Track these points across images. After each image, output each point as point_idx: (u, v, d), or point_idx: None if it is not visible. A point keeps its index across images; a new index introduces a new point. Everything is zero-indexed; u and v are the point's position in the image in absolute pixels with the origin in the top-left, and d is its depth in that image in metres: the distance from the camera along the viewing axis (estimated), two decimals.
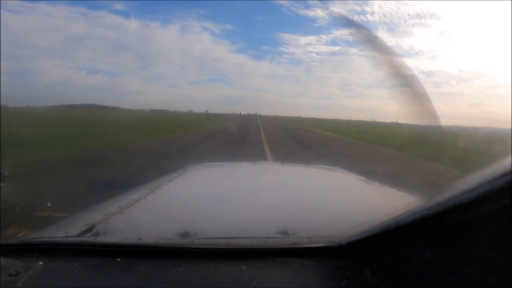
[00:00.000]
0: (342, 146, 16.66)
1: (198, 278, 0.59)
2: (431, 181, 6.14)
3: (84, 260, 0.63)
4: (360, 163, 8.84)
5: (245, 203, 1.10)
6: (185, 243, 0.70)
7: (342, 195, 1.32)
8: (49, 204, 2.72)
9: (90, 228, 0.77)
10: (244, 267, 0.61)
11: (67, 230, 0.76)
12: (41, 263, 0.62)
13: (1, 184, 1.04)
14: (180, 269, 0.61)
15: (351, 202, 1.19)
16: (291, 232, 0.74)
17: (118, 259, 0.64)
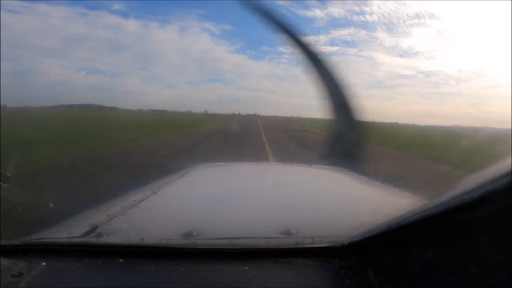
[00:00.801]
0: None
1: (201, 278, 0.59)
2: None
3: (87, 261, 0.63)
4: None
5: (247, 203, 1.10)
6: (187, 243, 0.70)
7: (345, 195, 1.32)
8: (51, 205, 2.71)
9: (93, 229, 0.77)
10: (247, 267, 0.61)
11: (70, 231, 0.77)
12: (44, 263, 0.62)
13: (4, 185, 1.04)
14: (183, 269, 0.61)
15: (354, 202, 1.19)
16: (294, 232, 0.75)
17: (121, 260, 0.64)
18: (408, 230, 0.50)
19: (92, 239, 0.72)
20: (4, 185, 1.04)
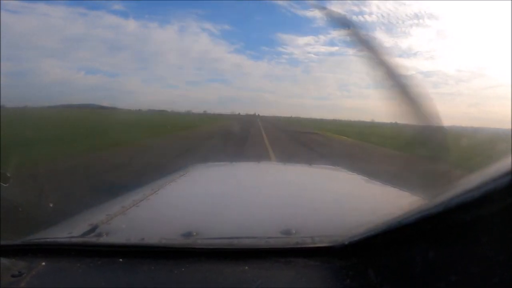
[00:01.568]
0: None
1: (201, 278, 0.59)
2: None
3: (87, 261, 0.63)
4: None
5: (247, 203, 1.10)
6: (188, 243, 0.70)
7: (345, 195, 1.32)
8: (51, 205, 2.71)
9: (93, 229, 0.77)
10: (247, 267, 0.61)
11: (70, 231, 0.77)
12: (44, 263, 0.62)
13: (4, 185, 1.04)
14: (183, 269, 0.61)
15: (354, 201, 1.19)
16: (294, 232, 0.75)
17: (121, 260, 0.64)
18: (409, 229, 0.50)
19: (92, 239, 0.72)
20: (4, 185, 1.04)
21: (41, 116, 35.31)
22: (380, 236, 0.57)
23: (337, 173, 1.97)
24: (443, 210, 0.42)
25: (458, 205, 0.40)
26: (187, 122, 41.74)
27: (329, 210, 1.02)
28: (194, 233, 0.73)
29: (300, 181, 1.65)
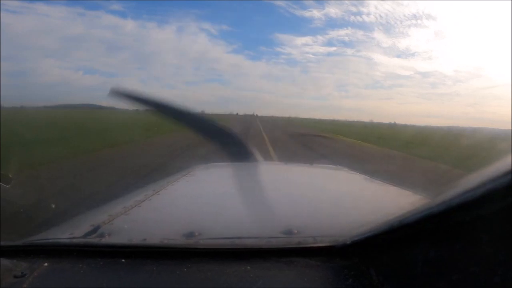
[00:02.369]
0: None
1: (203, 278, 0.59)
2: None
3: (89, 261, 0.63)
4: None
5: (249, 203, 1.10)
6: (190, 243, 0.70)
7: (347, 194, 1.32)
8: (53, 206, 2.69)
9: (95, 229, 0.77)
10: (249, 267, 0.61)
11: (72, 231, 0.77)
12: (46, 264, 0.62)
13: (6, 186, 1.04)
14: (185, 269, 0.61)
15: (356, 201, 1.19)
16: (296, 231, 0.75)
17: (123, 260, 0.64)
18: (410, 229, 0.50)
19: (94, 239, 0.72)
20: (6, 186, 1.04)
21: (33, 117, 32.99)
22: (382, 236, 0.57)
23: (339, 173, 1.97)
24: (444, 210, 0.43)
25: (459, 205, 0.40)
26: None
27: (330, 209, 1.03)
28: (196, 233, 0.73)
29: (302, 181, 1.65)
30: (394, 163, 10.79)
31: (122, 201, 1.06)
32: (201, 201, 1.13)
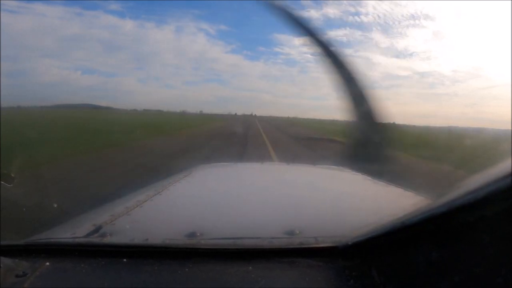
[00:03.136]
0: None
1: (205, 278, 0.59)
2: None
3: (91, 261, 0.64)
4: None
5: (251, 203, 1.10)
6: (191, 243, 0.70)
7: (349, 195, 1.32)
8: (55, 205, 2.67)
9: (97, 229, 0.77)
10: (250, 267, 0.61)
11: (74, 231, 0.77)
12: (48, 263, 0.63)
13: (8, 185, 1.04)
14: (187, 269, 0.61)
15: (358, 202, 1.19)
16: (298, 232, 0.75)
17: (125, 260, 0.64)
18: (412, 230, 0.50)
19: (96, 239, 0.72)
20: (8, 185, 1.04)
21: (25, 117, 30.83)
22: (384, 237, 0.57)
23: (341, 173, 1.97)
24: (446, 211, 0.43)
25: (461, 206, 0.40)
26: (172, 123, 35.22)
27: (332, 210, 1.02)
28: (198, 234, 0.73)
29: (304, 182, 1.65)
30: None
31: (124, 201, 1.06)
32: (202, 201, 1.13)
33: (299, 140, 17.28)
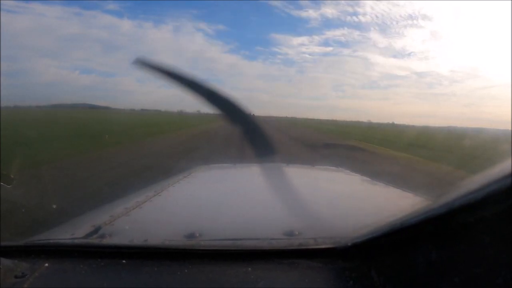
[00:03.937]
0: None
1: (204, 279, 0.59)
2: None
3: (90, 262, 0.63)
4: None
5: (250, 204, 1.10)
6: (191, 244, 0.70)
7: (348, 196, 1.32)
8: (54, 206, 2.65)
9: (96, 230, 0.77)
10: (250, 269, 0.61)
11: (73, 232, 0.77)
12: (47, 264, 0.62)
13: (7, 186, 1.03)
14: (186, 270, 0.61)
15: (357, 203, 1.19)
16: (297, 233, 0.75)
17: (124, 261, 0.64)
18: (412, 230, 0.50)
19: (95, 240, 0.72)
20: (7, 186, 1.03)
21: (16, 117, 28.61)
22: (383, 238, 0.57)
23: (340, 174, 1.97)
24: (446, 211, 0.43)
25: (461, 206, 0.40)
26: (162, 124, 33.18)
27: (332, 211, 1.03)
28: (197, 235, 0.73)
29: (303, 182, 1.65)
30: None
31: (123, 202, 1.06)
32: (202, 202, 1.13)
33: (316, 149, 13.57)
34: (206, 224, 0.83)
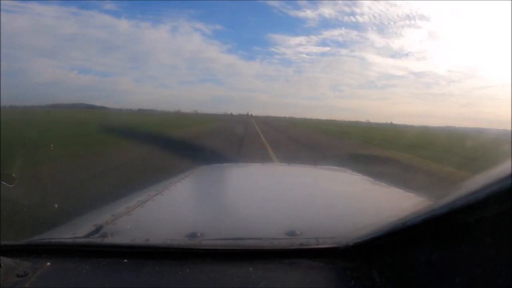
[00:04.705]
0: None
1: (206, 279, 0.59)
2: None
3: (92, 261, 0.64)
4: None
5: (252, 204, 1.10)
6: (192, 244, 0.70)
7: (349, 196, 1.32)
8: (56, 206, 2.64)
9: (98, 229, 0.77)
10: (251, 268, 0.61)
11: (75, 231, 0.77)
12: (49, 263, 0.63)
13: (9, 185, 1.03)
14: (188, 270, 0.61)
15: (359, 203, 1.19)
16: (299, 233, 0.75)
17: (126, 260, 0.64)
18: (413, 230, 0.50)
19: (97, 239, 0.72)
20: (9, 185, 1.03)
21: (21, 117, 28.94)
22: (385, 238, 0.57)
23: (342, 174, 1.96)
24: (447, 212, 0.43)
25: (462, 207, 0.40)
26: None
27: (333, 211, 1.02)
28: (199, 234, 0.73)
29: (305, 182, 1.65)
30: None
31: (125, 201, 1.06)
32: (203, 202, 1.14)
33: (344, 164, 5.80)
34: (207, 224, 0.83)
